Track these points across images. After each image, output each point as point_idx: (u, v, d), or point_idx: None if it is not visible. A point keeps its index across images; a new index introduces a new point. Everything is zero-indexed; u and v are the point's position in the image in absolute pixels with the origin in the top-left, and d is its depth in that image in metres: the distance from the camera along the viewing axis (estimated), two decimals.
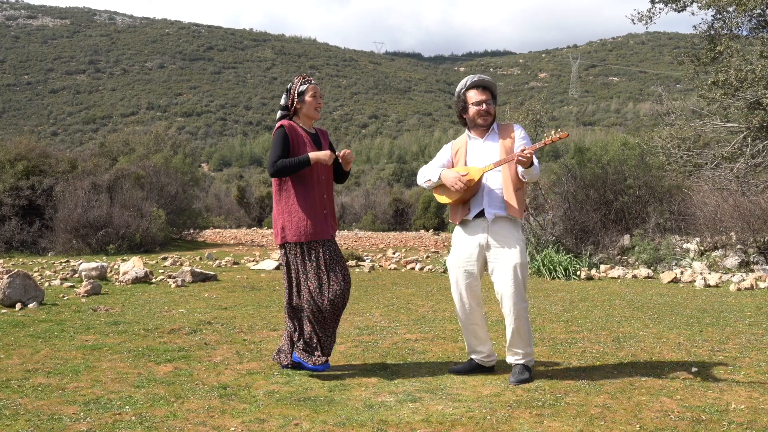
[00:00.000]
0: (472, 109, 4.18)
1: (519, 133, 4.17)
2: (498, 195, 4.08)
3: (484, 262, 4.11)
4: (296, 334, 4.20)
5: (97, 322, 6.04)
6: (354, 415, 3.32)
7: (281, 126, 4.20)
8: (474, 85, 4.21)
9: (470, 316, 4.15)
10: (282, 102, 4.32)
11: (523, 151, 3.88)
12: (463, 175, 4.04)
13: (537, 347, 4.83)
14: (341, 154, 4.26)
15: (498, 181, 4.09)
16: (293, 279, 4.17)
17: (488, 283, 4.15)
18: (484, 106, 4.14)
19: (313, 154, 4.09)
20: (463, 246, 4.14)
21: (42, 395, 3.69)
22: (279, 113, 4.32)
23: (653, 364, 4.37)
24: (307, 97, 4.24)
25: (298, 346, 4.17)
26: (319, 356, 4.12)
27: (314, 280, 4.09)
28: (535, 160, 4.02)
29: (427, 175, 4.26)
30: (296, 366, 4.21)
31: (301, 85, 4.24)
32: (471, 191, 4.10)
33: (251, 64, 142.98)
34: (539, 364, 4.35)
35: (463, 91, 4.24)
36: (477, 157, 4.16)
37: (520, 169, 4.00)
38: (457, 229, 4.22)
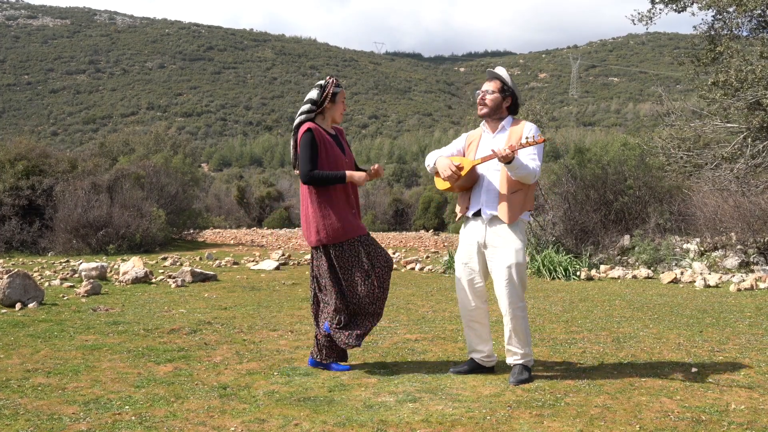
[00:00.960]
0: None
1: (528, 131, 4.10)
2: (494, 195, 4.08)
3: (485, 261, 4.11)
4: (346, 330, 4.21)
5: (96, 322, 6.04)
6: (354, 415, 3.32)
7: (309, 130, 4.17)
8: (487, 76, 4.25)
9: (473, 313, 4.14)
10: (314, 96, 4.25)
11: (510, 147, 3.86)
12: (456, 165, 4.08)
13: (537, 347, 4.83)
14: (374, 169, 4.30)
15: (496, 181, 4.10)
16: (337, 279, 4.20)
17: (490, 282, 4.14)
18: (482, 94, 4.18)
19: (349, 174, 4.13)
20: (465, 243, 4.19)
21: (42, 395, 3.69)
22: (306, 106, 4.26)
23: (653, 364, 4.36)
24: (339, 100, 4.26)
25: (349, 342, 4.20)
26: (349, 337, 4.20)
27: (360, 273, 4.15)
28: (534, 164, 3.96)
29: (429, 160, 4.34)
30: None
31: (335, 86, 4.25)
32: (470, 180, 4.14)
33: (251, 64, 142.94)
34: (539, 365, 4.34)
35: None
36: (486, 151, 4.15)
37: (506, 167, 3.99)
38: (462, 226, 4.28)
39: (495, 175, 4.11)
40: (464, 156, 4.28)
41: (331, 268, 4.20)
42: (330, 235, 4.13)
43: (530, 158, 3.99)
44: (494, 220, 4.06)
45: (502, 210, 4.03)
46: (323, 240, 4.15)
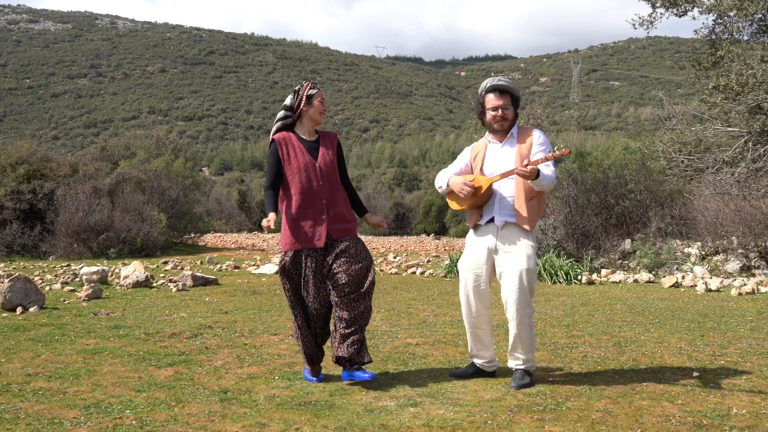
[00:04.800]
0: (489, 114, 4.12)
1: (537, 139, 4.06)
2: (509, 203, 4.03)
3: (492, 267, 4.07)
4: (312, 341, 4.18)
5: (97, 326, 6.04)
6: (355, 419, 3.31)
7: (273, 141, 4.17)
8: (492, 89, 4.13)
9: (476, 319, 4.12)
10: (287, 102, 4.23)
11: (525, 165, 3.80)
12: (470, 181, 4.03)
13: (538, 352, 4.82)
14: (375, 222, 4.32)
15: (511, 189, 4.05)
16: (294, 287, 4.14)
17: (495, 287, 4.13)
18: (500, 111, 4.07)
19: (265, 222, 3.95)
20: (473, 249, 4.12)
21: (42, 399, 3.69)
22: (281, 113, 4.24)
23: (654, 368, 4.36)
24: (315, 101, 4.20)
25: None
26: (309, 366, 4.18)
27: (309, 287, 4.07)
28: (549, 170, 3.92)
29: (439, 181, 4.26)
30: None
31: (310, 89, 4.21)
32: (483, 198, 4.07)
33: (252, 68, 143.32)
34: (540, 369, 4.34)
35: (482, 93, 4.17)
36: (494, 162, 4.11)
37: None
38: (470, 233, 4.21)
39: (509, 184, 4.06)
40: (472, 170, 4.22)
41: (287, 275, 4.19)
42: (284, 243, 4.11)
43: (544, 166, 3.92)
44: (507, 225, 4.02)
45: (521, 218, 3.99)
46: (281, 246, 4.19)
